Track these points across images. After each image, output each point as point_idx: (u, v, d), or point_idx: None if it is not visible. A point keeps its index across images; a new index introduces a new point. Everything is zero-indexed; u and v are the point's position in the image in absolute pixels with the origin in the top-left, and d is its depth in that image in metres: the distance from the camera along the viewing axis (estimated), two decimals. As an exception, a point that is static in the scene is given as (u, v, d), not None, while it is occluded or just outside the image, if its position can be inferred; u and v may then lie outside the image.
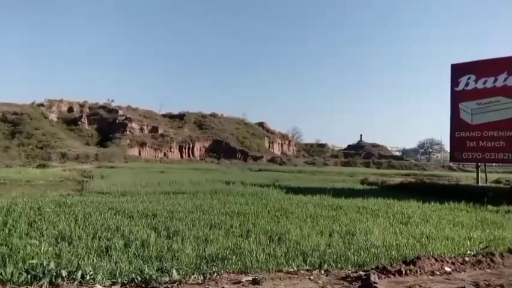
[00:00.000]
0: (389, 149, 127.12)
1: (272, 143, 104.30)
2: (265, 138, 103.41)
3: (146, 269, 5.96)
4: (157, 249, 7.52)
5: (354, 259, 7.27)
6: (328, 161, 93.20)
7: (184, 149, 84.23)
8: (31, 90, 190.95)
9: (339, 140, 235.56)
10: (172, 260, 6.80)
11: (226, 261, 6.80)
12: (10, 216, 10.72)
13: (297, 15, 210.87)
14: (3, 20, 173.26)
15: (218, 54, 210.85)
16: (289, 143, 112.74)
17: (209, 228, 9.88)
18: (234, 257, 7.02)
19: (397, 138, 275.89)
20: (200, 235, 8.97)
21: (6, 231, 8.84)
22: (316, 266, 6.79)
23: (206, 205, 14.33)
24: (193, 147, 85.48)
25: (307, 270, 6.56)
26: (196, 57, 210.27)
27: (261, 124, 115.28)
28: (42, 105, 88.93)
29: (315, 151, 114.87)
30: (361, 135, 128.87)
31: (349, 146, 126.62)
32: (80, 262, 5.77)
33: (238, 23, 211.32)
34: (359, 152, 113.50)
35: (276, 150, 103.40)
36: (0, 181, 27.55)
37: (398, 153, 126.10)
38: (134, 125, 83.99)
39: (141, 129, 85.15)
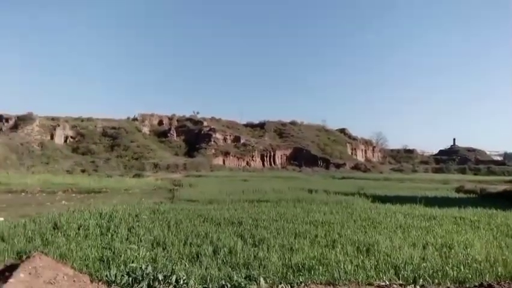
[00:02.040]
0: (488, 153, 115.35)
1: (355, 149, 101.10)
2: (347, 144, 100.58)
3: (235, 276, 6.11)
4: (244, 256, 7.67)
5: (453, 275, 6.70)
6: (417, 168, 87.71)
7: (265, 158, 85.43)
8: (126, 106, 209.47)
9: (429, 145, 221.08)
10: (259, 268, 6.89)
11: (313, 272, 6.70)
12: (112, 222, 11.77)
13: (387, 15, 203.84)
14: (108, 51, 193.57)
15: (297, 61, 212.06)
16: (373, 149, 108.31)
17: (294, 237, 9.83)
18: (320, 268, 6.89)
19: (497, 141, 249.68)
20: (285, 244, 8.96)
21: (109, 235, 9.72)
22: (411, 281, 6.38)
23: (290, 214, 14.30)
24: (274, 155, 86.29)
25: (400, 284, 6.20)
26: (274, 67, 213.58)
27: (342, 130, 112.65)
28: (136, 119, 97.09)
29: (403, 157, 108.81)
30: (454, 139, 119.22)
31: (441, 151, 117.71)
32: (174, 267, 6.10)
33: (315, 25, 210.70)
34: (453, 158, 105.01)
35: (360, 157, 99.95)
36: (102, 190, 30.51)
37: (498, 158, 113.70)
38: (218, 135, 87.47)
39: (224, 139, 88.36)
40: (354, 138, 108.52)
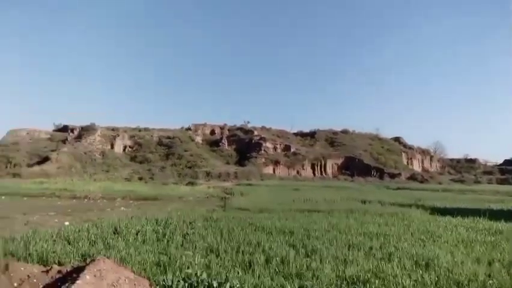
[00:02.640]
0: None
1: (411, 159, 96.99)
2: (403, 154, 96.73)
3: (288, 286, 6.05)
4: (296, 266, 7.58)
5: (524, 294, 6.17)
6: (480, 178, 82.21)
7: (316, 167, 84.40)
8: (180, 116, 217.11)
9: (493, 155, 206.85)
10: (312, 278, 6.77)
11: (368, 285, 6.47)
12: (168, 228, 12.15)
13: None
14: (166, 68, 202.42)
15: (349, 70, 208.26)
16: (431, 159, 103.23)
17: (347, 249, 9.58)
18: (376, 281, 6.64)
19: None
20: (338, 255, 8.75)
21: (165, 241, 10.04)
22: (476, 299, 5.96)
23: (342, 224, 13.96)
24: (325, 164, 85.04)
25: (464, 303, 5.80)
26: (324, 76, 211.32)
27: (397, 139, 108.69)
28: (189, 129, 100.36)
29: (463, 167, 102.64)
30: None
31: (506, 160, 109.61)
32: (228, 274, 6.16)
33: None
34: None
35: (416, 166, 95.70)
36: (158, 197, 31.67)
37: None
38: (268, 144, 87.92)
39: (275, 148, 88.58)
40: (410, 147, 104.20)
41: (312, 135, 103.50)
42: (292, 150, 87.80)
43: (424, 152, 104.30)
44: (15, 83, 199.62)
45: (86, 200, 29.43)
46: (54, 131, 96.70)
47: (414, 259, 8.61)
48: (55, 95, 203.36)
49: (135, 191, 35.92)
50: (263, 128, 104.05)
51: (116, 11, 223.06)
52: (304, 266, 7.64)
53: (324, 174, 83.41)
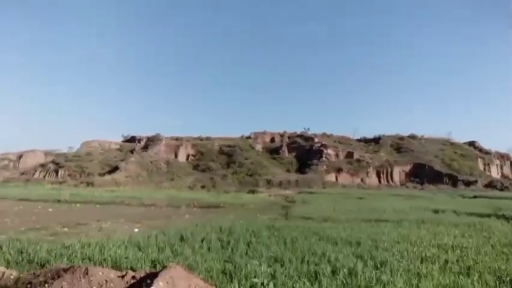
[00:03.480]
0: None
1: (488, 164, 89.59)
2: (479, 159, 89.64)
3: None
4: (365, 279, 7.22)
5: None
6: None
7: (382, 174, 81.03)
8: (240, 125, 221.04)
9: None
10: (384, 292, 6.40)
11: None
12: (231, 236, 12.27)
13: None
14: (226, 76, 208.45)
15: (415, 71, 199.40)
16: (511, 164, 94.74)
17: (420, 262, 8.99)
18: (456, 298, 6.12)
19: None
20: (411, 268, 8.22)
21: (230, 249, 10.11)
22: None
23: (413, 235, 13.17)
24: (391, 171, 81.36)
25: None
26: (386, 79, 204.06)
27: (471, 143, 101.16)
28: (249, 137, 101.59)
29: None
30: None
31: None
32: (294, 285, 6.01)
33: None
34: None
35: (494, 173, 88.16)
36: (220, 205, 32.30)
37: None
38: (329, 151, 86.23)
39: (336, 155, 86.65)
40: (487, 152, 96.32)
41: (376, 141, 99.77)
42: (355, 157, 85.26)
43: (503, 157, 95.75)
44: (86, 98, 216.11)
45: (153, 207, 30.79)
46: (123, 141, 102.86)
47: (497, 274, 7.86)
48: (123, 108, 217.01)
49: (198, 198, 36.94)
50: (324, 134, 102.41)
51: (179, 21, 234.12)
52: (374, 278, 7.26)
53: (390, 182, 79.81)
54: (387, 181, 79.75)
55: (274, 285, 5.93)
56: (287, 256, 9.12)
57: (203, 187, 64.64)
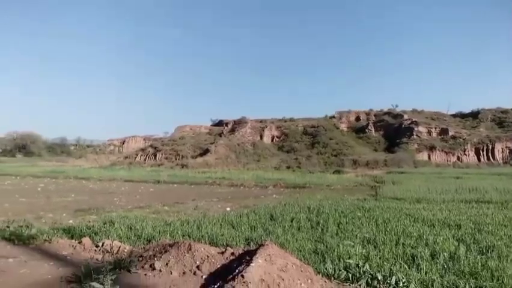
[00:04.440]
0: None
1: None
2: None
3: (462, 285, 5.42)
4: (468, 264, 6.72)
5: None
6: None
7: (481, 152, 73.83)
8: (324, 105, 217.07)
9: None
10: (492, 279, 5.91)
11: None
12: (320, 216, 12.26)
13: None
14: (304, 52, 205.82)
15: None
16: None
17: (534, 247, 8.10)
18: None
19: None
20: (524, 254, 7.46)
21: (319, 229, 10.12)
22: None
23: (523, 218, 11.91)
24: (492, 148, 73.66)
25: None
26: (483, 48, 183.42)
27: None
28: (333, 117, 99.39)
29: None
30: None
31: None
32: (392, 268, 5.83)
33: None
34: None
35: None
36: (306, 185, 32.37)
37: None
38: (421, 128, 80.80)
39: (429, 132, 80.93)
40: None
41: (474, 115, 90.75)
42: (450, 133, 78.73)
43: None
44: (178, 87, 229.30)
45: (242, 187, 32.00)
46: (212, 125, 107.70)
47: None
48: (211, 94, 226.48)
49: (284, 179, 37.43)
50: (414, 111, 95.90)
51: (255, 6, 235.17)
52: (479, 264, 6.71)
53: (492, 160, 72.45)
54: (488, 159, 72.51)
55: (370, 267, 5.80)
56: (380, 238, 8.86)
57: (288, 168, 65.27)
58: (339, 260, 6.44)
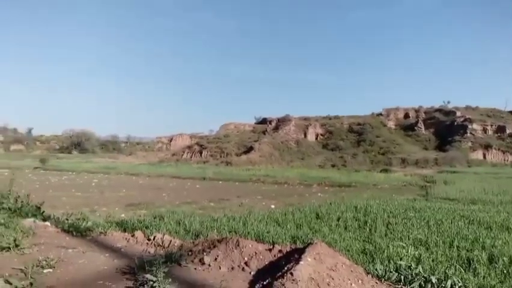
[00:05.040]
0: None
1: None
2: None
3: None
4: (535, 271, 6.27)
5: None
6: None
7: (543, 151, 68.91)
8: (371, 102, 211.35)
9: None
10: (560, 289, 5.49)
11: None
12: (368, 216, 11.95)
13: None
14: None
15: None
16: None
17: None
18: None
19: None
20: None
21: (367, 229, 9.87)
22: None
23: None
24: (555, 148, 68.56)
25: None
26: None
27: None
28: (380, 114, 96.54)
29: None
30: None
31: None
32: (446, 271, 5.57)
33: None
34: None
35: None
36: (352, 184, 31.74)
37: None
38: (475, 126, 76.60)
39: (484, 130, 76.55)
40: None
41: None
42: (508, 131, 74.07)
43: None
44: (222, 86, 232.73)
45: (285, 185, 31.95)
46: (255, 123, 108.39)
47: None
48: (254, 92, 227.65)
49: (329, 177, 36.95)
50: (468, 107, 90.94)
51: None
52: (548, 271, 6.25)
53: (556, 159, 67.36)
54: (553, 158, 67.49)
55: (423, 269, 5.58)
56: (432, 239, 8.49)
57: (333, 166, 64.43)
58: (389, 261, 6.24)
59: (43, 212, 9.78)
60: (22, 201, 9.85)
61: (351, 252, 7.22)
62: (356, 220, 11.22)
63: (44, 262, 5.05)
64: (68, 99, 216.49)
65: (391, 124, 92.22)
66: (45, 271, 4.84)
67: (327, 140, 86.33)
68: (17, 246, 5.84)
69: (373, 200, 17.35)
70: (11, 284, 4.04)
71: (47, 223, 8.64)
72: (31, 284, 4.17)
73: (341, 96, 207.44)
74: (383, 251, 7.13)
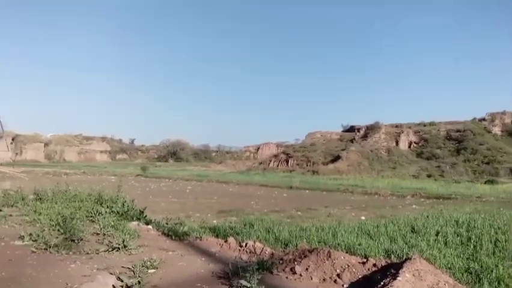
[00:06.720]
0: None
1: None
2: None
3: None
4: None
5: None
6: None
7: None
8: (471, 107, 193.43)
9: None
10: None
11: None
12: (472, 232, 10.90)
13: None
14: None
15: None
16: None
17: None
18: None
19: None
20: None
21: (471, 246, 9.00)
22: None
23: None
24: None
25: None
26: None
27: None
28: (483, 119, 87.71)
29: None
30: None
31: None
32: None
33: None
34: None
35: None
36: (451, 196, 29.27)
37: None
38: None
39: None
40: None
41: None
42: None
43: None
44: (308, 93, 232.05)
45: (376, 196, 30.62)
46: (342, 131, 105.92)
47: None
48: (343, 98, 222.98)
49: (425, 188, 34.63)
50: None
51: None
52: None
53: None
54: None
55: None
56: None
57: (429, 176, 60.17)
58: (499, 283, 5.64)
59: (145, 216, 10.68)
60: (128, 206, 10.86)
61: (453, 270, 6.66)
62: (458, 236, 10.31)
63: (149, 263, 5.50)
64: (165, 112, 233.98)
65: (497, 130, 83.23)
66: (149, 271, 5.26)
67: (421, 148, 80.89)
68: (125, 246, 6.45)
69: (477, 213, 15.82)
70: (122, 281, 4.48)
71: (149, 226, 9.41)
72: (139, 282, 4.57)
73: (435, 101, 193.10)
74: (491, 271, 6.46)
